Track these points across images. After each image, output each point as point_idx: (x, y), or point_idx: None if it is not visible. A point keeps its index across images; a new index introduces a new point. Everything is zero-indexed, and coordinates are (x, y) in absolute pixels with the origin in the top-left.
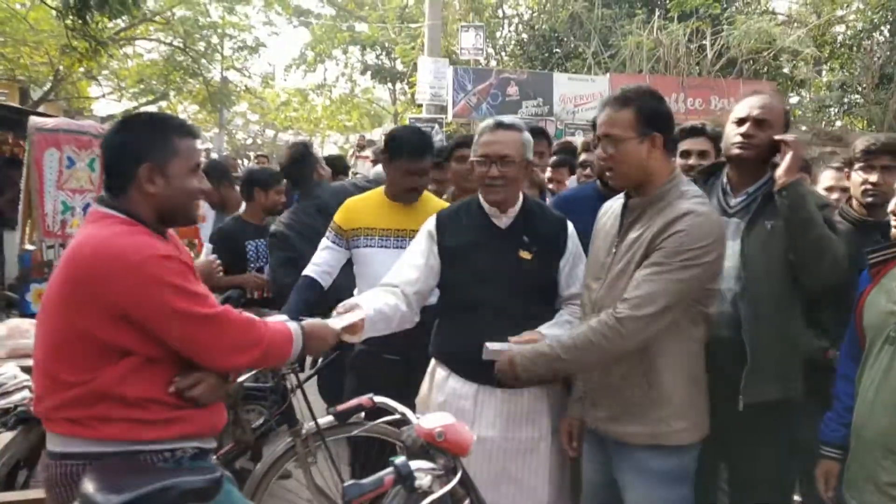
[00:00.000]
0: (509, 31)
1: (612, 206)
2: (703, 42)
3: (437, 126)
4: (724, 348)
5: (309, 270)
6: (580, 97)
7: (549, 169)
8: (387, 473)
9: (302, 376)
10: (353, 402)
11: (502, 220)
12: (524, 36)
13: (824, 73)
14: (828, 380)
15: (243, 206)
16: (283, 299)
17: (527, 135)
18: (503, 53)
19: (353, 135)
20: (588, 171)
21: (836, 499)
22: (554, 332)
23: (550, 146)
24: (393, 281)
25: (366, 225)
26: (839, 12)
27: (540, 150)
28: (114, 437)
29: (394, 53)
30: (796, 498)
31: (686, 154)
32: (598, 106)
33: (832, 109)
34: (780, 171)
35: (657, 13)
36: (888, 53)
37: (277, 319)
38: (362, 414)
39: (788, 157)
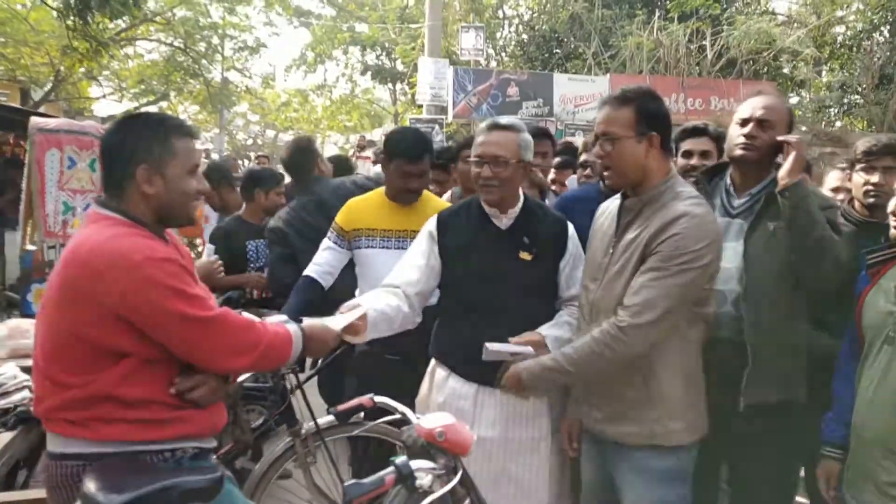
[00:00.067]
0: (509, 32)
1: (609, 207)
2: (703, 42)
3: (437, 127)
4: (726, 349)
5: (310, 270)
6: (580, 98)
7: (552, 170)
8: (388, 473)
9: (302, 376)
10: (354, 402)
11: (502, 221)
12: (524, 36)
13: (824, 73)
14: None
15: (243, 206)
16: (283, 297)
17: (525, 135)
18: (503, 54)
19: (353, 135)
20: (588, 171)
21: (837, 499)
22: (554, 332)
23: (554, 147)
24: (394, 282)
25: (367, 226)
26: (839, 13)
27: (543, 150)
28: (114, 438)
29: (394, 54)
30: (802, 500)
31: (688, 154)
32: (597, 105)
33: (832, 110)
34: (782, 172)
35: (657, 14)
36: (888, 54)
37: (277, 320)
38: (362, 414)
39: (791, 157)
